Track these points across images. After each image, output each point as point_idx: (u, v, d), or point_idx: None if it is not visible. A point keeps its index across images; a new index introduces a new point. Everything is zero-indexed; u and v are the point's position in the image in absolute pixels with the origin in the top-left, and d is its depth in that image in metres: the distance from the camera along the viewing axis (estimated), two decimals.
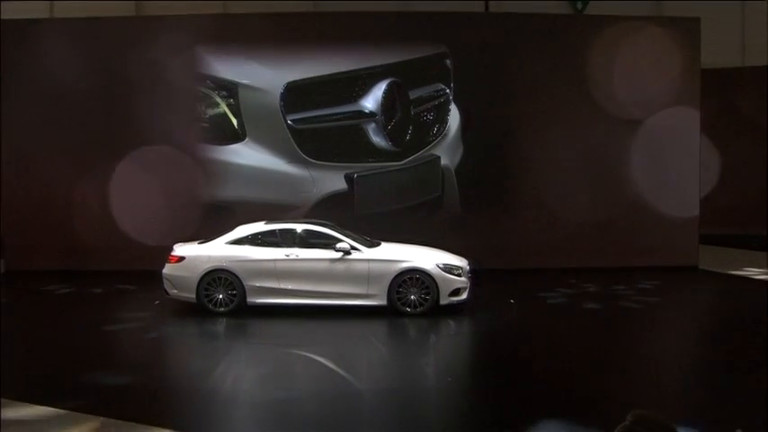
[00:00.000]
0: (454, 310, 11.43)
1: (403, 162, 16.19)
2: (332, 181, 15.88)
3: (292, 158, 15.76)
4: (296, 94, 15.70)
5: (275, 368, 9.13)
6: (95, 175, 15.63)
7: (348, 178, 15.90)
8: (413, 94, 16.21)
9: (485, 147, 16.23)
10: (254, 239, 11.66)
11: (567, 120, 16.10)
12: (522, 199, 16.28)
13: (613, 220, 16.05)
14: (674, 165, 16.15)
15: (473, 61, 16.09)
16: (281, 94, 15.62)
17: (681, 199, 16.23)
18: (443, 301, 11.27)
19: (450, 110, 16.44)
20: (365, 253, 11.40)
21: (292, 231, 11.72)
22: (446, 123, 16.39)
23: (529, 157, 16.25)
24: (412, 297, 11.28)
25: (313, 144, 15.86)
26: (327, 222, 12.02)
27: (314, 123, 15.84)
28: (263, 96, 15.66)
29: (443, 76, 16.42)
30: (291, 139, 15.71)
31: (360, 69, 15.90)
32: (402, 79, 16.03)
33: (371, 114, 15.95)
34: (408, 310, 11.25)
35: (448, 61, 16.34)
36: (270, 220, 12.24)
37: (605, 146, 16.09)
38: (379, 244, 11.89)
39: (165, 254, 11.80)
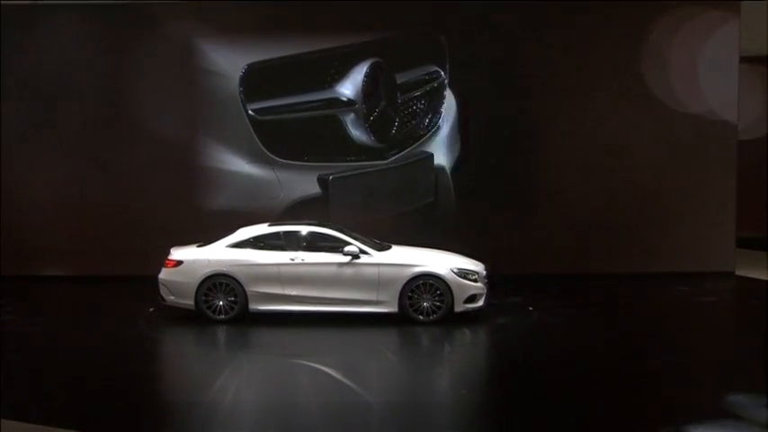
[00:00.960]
0: (470, 319, 11.30)
1: (388, 161, 14.58)
2: (302, 184, 14.27)
3: (254, 157, 14.11)
4: (259, 79, 13.93)
5: (279, 380, 9.07)
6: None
7: (322, 181, 14.21)
8: (400, 78, 14.49)
9: (487, 142, 15.12)
10: (256, 242, 11.55)
11: (584, 111, 15.32)
12: (536, 201, 15.45)
13: (637, 220, 15.40)
14: (707, 158, 15.43)
15: (474, 40, 14.71)
16: (241, 78, 13.83)
17: (715, 196, 15.46)
18: (458, 308, 11.15)
19: (444, 97, 14.84)
20: (375, 257, 11.28)
21: (297, 234, 11.63)
22: (440, 114, 14.77)
23: (542, 154, 15.38)
24: (425, 304, 11.16)
25: (279, 139, 14.13)
26: (335, 224, 11.93)
27: (281, 114, 14.14)
28: (216, 81, 14.01)
29: (437, 56, 14.72)
30: (253, 134, 13.92)
31: (335, 48, 14.10)
32: (386, 60, 14.29)
33: (350, 103, 14.24)
34: (421, 317, 11.13)
35: (443, 38, 14.75)
36: (274, 221, 12.19)
37: (628, 139, 15.37)
38: (389, 247, 11.80)
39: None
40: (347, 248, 11.25)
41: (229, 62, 14.09)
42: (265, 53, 14.17)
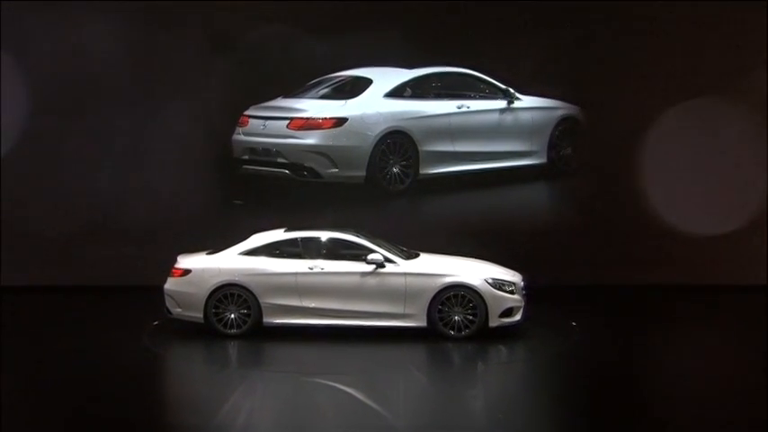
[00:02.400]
0: (506, 334, 11.16)
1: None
2: None
3: None
4: None
5: (296, 401, 8.98)
6: None
7: None
8: None
9: None
10: (271, 250, 11.47)
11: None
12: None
13: (648, 225, 14.95)
14: (733, 158, 14.99)
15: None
16: None
17: (743, 200, 14.97)
18: (493, 322, 11.00)
19: None
20: (401, 266, 11.16)
21: (316, 240, 11.55)
22: None
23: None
24: (456, 318, 11.02)
25: None
26: (357, 230, 11.78)
27: None
28: None
29: None
30: None
31: None
32: None
33: None
34: (452, 332, 10.99)
35: None
36: (290, 227, 11.98)
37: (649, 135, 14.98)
38: (417, 255, 11.67)
39: None
40: (371, 256, 11.13)
41: None
42: None
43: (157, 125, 14.95)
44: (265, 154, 13.79)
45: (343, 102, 13.53)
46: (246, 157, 14.04)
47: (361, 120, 13.19)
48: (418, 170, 13.47)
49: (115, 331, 11.92)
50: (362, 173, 13.18)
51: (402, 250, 11.68)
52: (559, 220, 14.83)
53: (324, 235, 11.58)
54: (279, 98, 14.16)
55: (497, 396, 9.39)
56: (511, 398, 9.33)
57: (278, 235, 11.63)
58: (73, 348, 11.07)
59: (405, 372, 10.08)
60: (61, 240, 14.79)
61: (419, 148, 13.34)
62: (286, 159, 13.51)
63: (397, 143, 13.29)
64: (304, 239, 11.52)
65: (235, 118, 14.32)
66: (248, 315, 11.17)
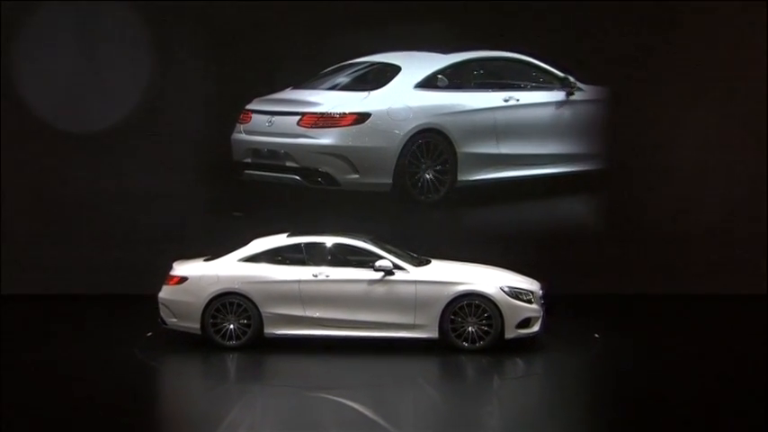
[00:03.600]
0: (523, 346, 11.12)
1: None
2: None
3: None
4: None
5: (299, 417, 8.94)
6: None
7: None
8: None
9: None
10: (273, 256, 11.43)
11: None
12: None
13: (646, 230, 14.93)
14: (733, 159, 14.97)
15: None
16: None
17: (743, 204, 15.01)
18: (510, 333, 10.94)
19: None
20: (412, 273, 11.10)
21: (321, 246, 11.51)
22: None
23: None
24: (470, 329, 10.95)
25: None
26: (365, 235, 11.77)
27: None
28: None
29: None
30: None
31: None
32: None
33: None
34: (465, 344, 10.93)
35: None
36: (293, 232, 11.97)
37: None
38: (428, 262, 11.63)
39: None
40: (379, 263, 11.07)
41: None
42: None
43: (150, 119, 14.90)
44: (271, 156, 12.93)
45: (365, 93, 12.80)
46: (249, 160, 13.30)
47: (387, 115, 12.50)
48: (456, 177, 12.72)
49: (107, 343, 11.88)
50: (388, 180, 12.51)
51: (412, 256, 11.65)
52: (581, 225, 14.79)
53: (329, 240, 11.53)
54: (288, 89, 13.44)
55: (514, 413, 9.34)
56: (528, 415, 9.24)
57: (280, 240, 11.59)
58: (60, 361, 11.03)
59: (415, 386, 10.01)
60: (55, 246, 14.88)
61: (457, 150, 12.60)
62: (296, 163, 12.67)
63: (431, 144, 12.53)
64: (308, 245, 11.48)
65: (235, 112, 13.61)
66: (248, 326, 11.13)
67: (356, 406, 9.04)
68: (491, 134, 12.84)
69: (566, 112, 13.26)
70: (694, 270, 14.95)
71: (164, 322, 11.43)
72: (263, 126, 12.95)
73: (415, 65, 13.02)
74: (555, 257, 14.29)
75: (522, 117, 13.06)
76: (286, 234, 11.75)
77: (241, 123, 13.25)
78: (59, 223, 15.03)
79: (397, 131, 12.41)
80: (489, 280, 11.12)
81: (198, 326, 11.16)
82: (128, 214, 14.98)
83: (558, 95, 13.22)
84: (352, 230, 11.96)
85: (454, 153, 12.59)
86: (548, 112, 13.22)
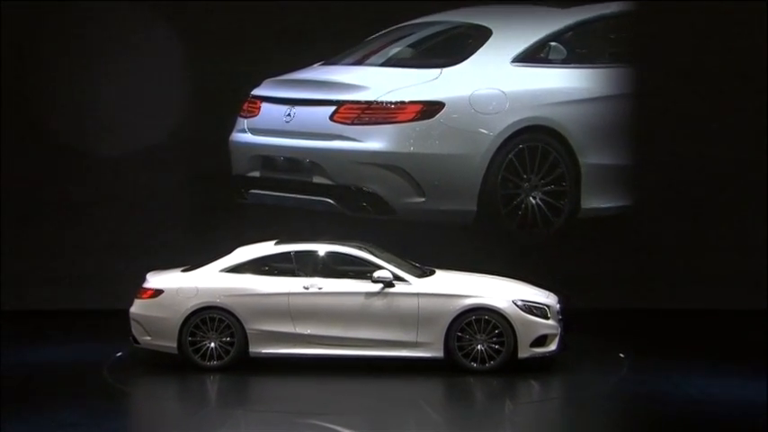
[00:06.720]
0: (538, 367, 11.12)
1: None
2: None
3: None
4: None
5: None
6: None
7: None
8: None
9: None
10: (259, 266, 11.45)
11: None
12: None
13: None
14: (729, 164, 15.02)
15: None
16: None
17: (741, 213, 15.04)
18: (523, 353, 10.93)
19: None
20: (414, 285, 11.10)
21: (313, 255, 11.51)
22: None
23: None
24: (479, 347, 10.94)
25: None
26: (361, 243, 11.77)
27: None
28: None
29: None
30: None
31: None
32: None
33: None
34: (474, 364, 10.91)
35: None
36: (282, 238, 11.97)
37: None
38: (432, 273, 11.62)
39: None
40: (378, 274, 11.06)
41: None
42: None
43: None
44: (291, 168, 11.02)
45: (435, 72, 10.36)
46: (257, 173, 11.54)
47: (470, 105, 9.94)
48: (579, 200, 10.45)
49: (69, 365, 11.89)
50: (472, 206, 10.41)
51: (414, 266, 11.65)
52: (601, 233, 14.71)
53: (321, 248, 11.54)
54: (316, 65, 11.28)
55: None
56: None
57: (267, 248, 11.62)
58: (16, 386, 10.94)
59: (417, 411, 9.98)
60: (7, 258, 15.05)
61: (581, 160, 10.34)
62: (329, 179, 10.79)
63: (539, 150, 10.13)
64: (298, 254, 11.48)
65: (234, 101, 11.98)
66: (231, 344, 11.13)
67: None
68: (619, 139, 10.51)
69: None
70: (721, 284, 15.01)
71: (135, 341, 11.40)
72: (279, 122, 10.97)
73: (514, 27, 10.72)
74: (575, 268, 14.32)
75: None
76: (274, 242, 11.77)
77: (245, 117, 11.33)
78: (12, 233, 15.19)
79: (485, 131, 10.35)
80: (500, 292, 11.11)
81: (174, 344, 11.15)
82: (91, 220, 15.12)
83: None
84: (347, 237, 11.98)
85: (576, 164, 10.61)
86: None
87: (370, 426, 9.39)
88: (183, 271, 11.59)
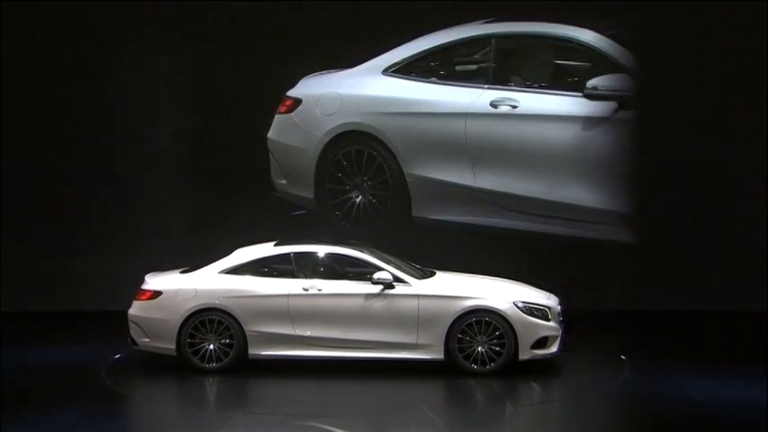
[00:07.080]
0: (539, 369, 11.09)
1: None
2: None
3: None
4: None
5: None
6: None
7: None
8: None
9: None
10: (259, 267, 11.43)
11: None
12: None
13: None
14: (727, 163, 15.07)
15: None
16: None
17: (741, 214, 14.98)
18: (524, 354, 10.90)
19: None
20: (414, 286, 11.07)
21: (313, 256, 11.51)
22: None
23: None
24: (479, 349, 10.90)
25: None
26: (362, 244, 11.77)
27: None
28: None
29: None
30: None
31: None
32: None
33: None
34: (474, 366, 10.88)
35: None
36: (282, 240, 11.99)
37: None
38: (432, 274, 11.61)
39: None
40: (378, 275, 11.04)
41: None
42: None
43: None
44: None
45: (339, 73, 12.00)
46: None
47: (316, 106, 11.85)
48: (410, 208, 12.02)
49: (67, 367, 11.85)
50: (310, 194, 12.15)
51: (415, 268, 11.63)
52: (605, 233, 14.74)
53: (321, 249, 11.54)
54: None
55: None
56: None
57: (266, 250, 11.60)
58: (15, 387, 10.93)
59: (418, 413, 9.92)
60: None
61: (405, 170, 11.55)
62: None
63: (364, 154, 11.57)
64: (297, 255, 11.47)
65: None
66: (230, 346, 11.12)
67: None
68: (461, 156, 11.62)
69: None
70: (721, 286, 15.02)
71: (134, 342, 11.38)
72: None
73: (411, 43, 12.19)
74: (574, 270, 14.34)
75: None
76: (273, 243, 11.75)
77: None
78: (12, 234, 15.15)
79: (317, 131, 12.01)
80: (501, 294, 11.11)
81: (173, 346, 11.12)
82: (90, 221, 15.10)
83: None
84: (347, 239, 12.03)
85: (402, 174, 11.73)
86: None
87: (370, 428, 9.39)
88: (182, 272, 11.58)
